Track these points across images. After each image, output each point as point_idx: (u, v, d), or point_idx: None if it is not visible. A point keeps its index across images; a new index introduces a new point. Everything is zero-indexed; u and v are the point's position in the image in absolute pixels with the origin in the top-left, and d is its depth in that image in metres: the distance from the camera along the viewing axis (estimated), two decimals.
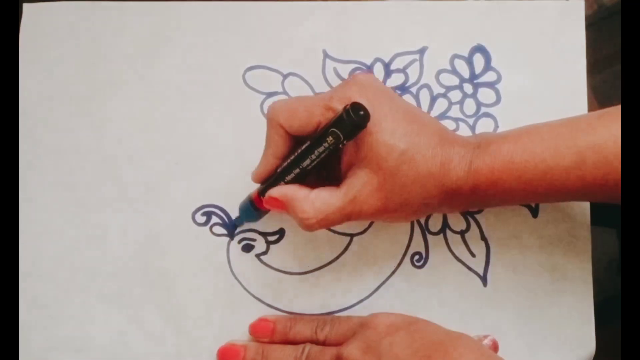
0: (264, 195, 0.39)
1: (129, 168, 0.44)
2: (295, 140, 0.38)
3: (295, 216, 0.37)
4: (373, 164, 0.36)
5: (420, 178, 0.36)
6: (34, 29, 0.46)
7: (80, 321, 0.43)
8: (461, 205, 0.39)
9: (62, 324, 0.43)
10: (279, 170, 0.39)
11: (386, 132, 0.36)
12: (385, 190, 0.37)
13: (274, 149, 0.39)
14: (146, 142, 0.45)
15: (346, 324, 0.40)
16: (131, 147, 0.45)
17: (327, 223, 0.37)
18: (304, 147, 0.37)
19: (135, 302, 0.43)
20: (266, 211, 0.41)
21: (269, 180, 0.39)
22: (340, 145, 0.36)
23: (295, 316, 0.42)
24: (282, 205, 0.38)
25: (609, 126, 0.35)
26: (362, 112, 0.35)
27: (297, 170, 0.38)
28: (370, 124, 0.36)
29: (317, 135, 0.36)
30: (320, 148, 0.36)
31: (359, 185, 0.37)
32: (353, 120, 0.35)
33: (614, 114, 0.36)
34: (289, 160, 0.38)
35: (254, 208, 0.41)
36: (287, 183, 0.38)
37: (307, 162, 0.37)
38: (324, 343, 0.40)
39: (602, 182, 0.35)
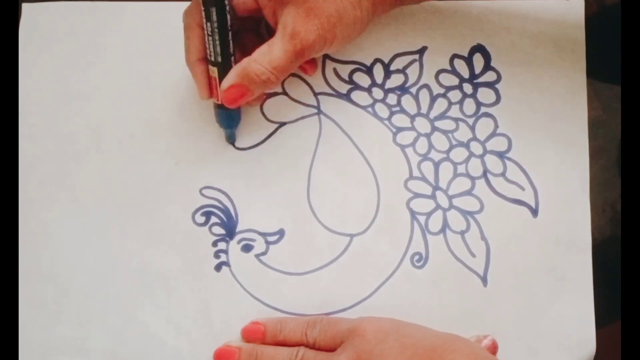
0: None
1: (129, 168, 0.44)
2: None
3: (254, 82, 0.38)
4: None
5: None
6: (34, 28, 0.46)
7: (80, 321, 0.43)
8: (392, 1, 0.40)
9: (62, 324, 0.43)
10: (212, 65, 0.40)
11: None
12: (314, 10, 0.38)
13: (196, 48, 0.40)
14: (146, 142, 0.45)
15: (335, 327, 0.40)
16: (131, 147, 0.45)
17: (282, 70, 0.38)
18: (207, 22, 0.39)
19: (135, 302, 0.43)
20: (237, 110, 0.42)
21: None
22: None
23: (285, 318, 0.42)
24: (241, 87, 0.39)
25: None
26: None
27: (225, 44, 0.39)
28: None
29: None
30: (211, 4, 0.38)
31: (290, 20, 0.38)
32: None
33: None
34: (210, 47, 0.39)
35: (224, 110, 0.42)
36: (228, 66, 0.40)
37: (222, 26, 0.39)
38: (313, 345, 0.40)
39: None
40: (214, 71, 0.40)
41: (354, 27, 0.40)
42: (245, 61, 0.39)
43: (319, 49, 0.39)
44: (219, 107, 0.42)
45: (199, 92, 0.42)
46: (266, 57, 0.38)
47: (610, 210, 0.44)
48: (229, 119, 0.43)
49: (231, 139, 0.44)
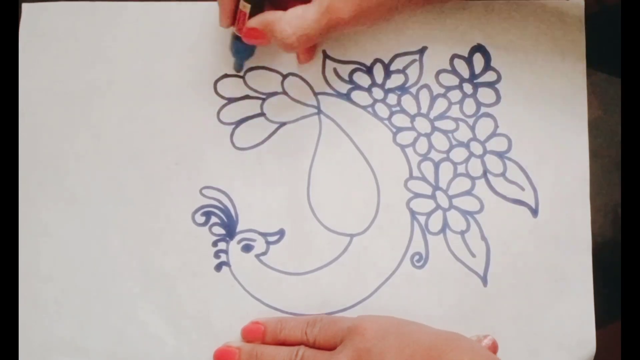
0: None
1: (129, 168, 0.44)
2: None
3: (275, 39, 0.39)
4: None
5: None
6: (34, 29, 0.46)
7: (80, 321, 0.43)
8: None
9: (62, 324, 0.43)
10: (246, 1, 0.40)
11: None
12: None
13: None
14: (146, 142, 0.45)
15: (335, 326, 0.40)
16: (131, 147, 0.45)
17: (307, 39, 0.38)
18: None
19: (134, 302, 0.43)
20: (253, 46, 0.43)
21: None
22: None
23: (285, 317, 0.42)
24: (262, 34, 0.39)
25: None
26: None
27: None
28: None
29: None
30: None
31: None
32: None
33: None
34: None
35: (241, 43, 0.42)
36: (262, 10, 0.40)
37: None
38: (313, 344, 0.40)
39: None
40: (245, 6, 0.40)
41: (386, 15, 0.40)
42: (277, 16, 0.39)
43: (351, 27, 0.40)
44: (237, 38, 0.42)
45: (220, 19, 0.42)
46: (297, 21, 0.38)
47: (612, 212, 0.44)
48: (242, 50, 0.43)
49: (238, 69, 0.45)
